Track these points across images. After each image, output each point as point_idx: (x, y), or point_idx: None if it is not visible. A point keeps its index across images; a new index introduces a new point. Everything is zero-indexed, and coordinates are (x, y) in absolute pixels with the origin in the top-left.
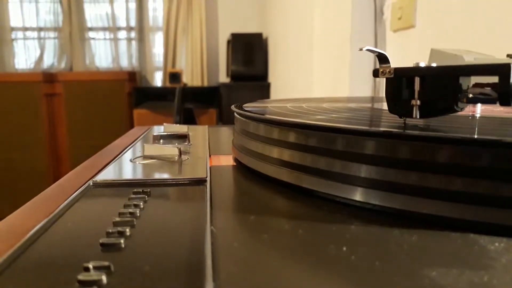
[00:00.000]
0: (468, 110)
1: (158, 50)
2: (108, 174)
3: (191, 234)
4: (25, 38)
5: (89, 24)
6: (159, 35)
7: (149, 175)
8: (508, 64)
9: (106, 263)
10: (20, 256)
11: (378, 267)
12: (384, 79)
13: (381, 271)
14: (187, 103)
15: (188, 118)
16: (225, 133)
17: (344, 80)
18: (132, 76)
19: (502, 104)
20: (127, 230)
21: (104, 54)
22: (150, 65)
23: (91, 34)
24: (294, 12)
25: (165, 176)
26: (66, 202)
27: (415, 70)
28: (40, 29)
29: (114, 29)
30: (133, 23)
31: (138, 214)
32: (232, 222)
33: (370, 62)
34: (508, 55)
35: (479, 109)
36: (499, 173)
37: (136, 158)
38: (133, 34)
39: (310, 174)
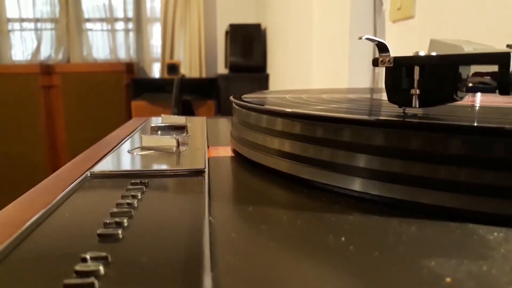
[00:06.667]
0: (467, 99)
1: (156, 41)
2: (105, 165)
3: (189, 225)
4: (22, 30)
5: (86, 15)
6: (157, 26)
7: (147, 166)
8: (508, 53)
9: (103, 254)
10: (17, 247)
11: (377, 257)
12: (384, 70)
13: (380, 261)
14: (185, 94)
15: (186, 110)
16: (223, 124)
17: (343, 72)
18: (129, 67)
19: (501, 93)
20: (125, 221)
21: (101, 46)
22: (148, 56)
23: (88, 25)
24: (293, 3)
25: (163, 167)
26: (63, 193)
27: (415, 59)
28: (37, 20)
29: (111, 20)
30: (130, 14)
31: (136, 205)
32: (230, 213)
33: (369, 54)
34: (507, 45)
35: (478, 99)
36: (499, 163)
37: (134, 149)
38: (130, 25)
39: (308, 165)
